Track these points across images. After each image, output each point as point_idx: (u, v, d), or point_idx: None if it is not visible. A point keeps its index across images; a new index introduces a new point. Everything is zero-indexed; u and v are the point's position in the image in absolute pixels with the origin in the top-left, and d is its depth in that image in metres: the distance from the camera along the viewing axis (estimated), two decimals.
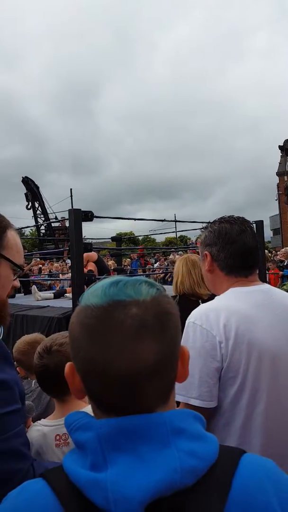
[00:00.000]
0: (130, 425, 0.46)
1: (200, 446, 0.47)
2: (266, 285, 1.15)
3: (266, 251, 8.23)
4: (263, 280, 5.52)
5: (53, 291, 5.90)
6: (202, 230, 1.25)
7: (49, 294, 5.30)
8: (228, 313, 1.00)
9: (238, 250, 1.11)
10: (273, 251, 14.67)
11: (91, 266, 4.79)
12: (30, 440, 1.08)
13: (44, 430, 1.17)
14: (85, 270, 4.70)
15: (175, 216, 33.20)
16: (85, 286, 4.02)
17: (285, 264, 8.68)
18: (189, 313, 1.09)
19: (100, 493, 0.42)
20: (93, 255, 4.88)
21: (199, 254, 1.47)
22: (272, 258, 9.53)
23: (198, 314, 1.04)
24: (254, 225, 5.50)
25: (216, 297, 1.12)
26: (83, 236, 3.61)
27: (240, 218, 1.18)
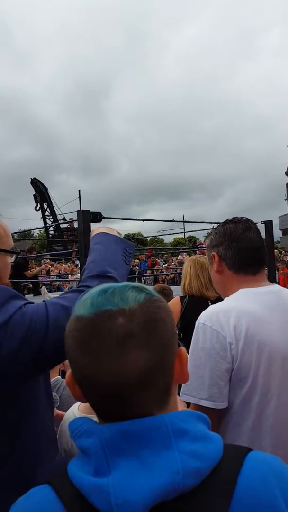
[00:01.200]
0: (132, 429, 0.46)
1: (203, 446, 0.47)
2: (276, 286, 1.15)
3: (276, 251, 8.15)
4: (273, 280, 5.47)
5: (63, 292, 5.94)
6: (206, 235, 1.27)
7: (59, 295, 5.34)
8: (239, 314, 1.00)
9: (244, 246, 1.12)
10: (283, 251, 14.53)
11: None
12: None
13: None
14: None
15: (183, 217, 33.12)
16: None
17: None
18: (198, 314, 1.09)
19: (102, 498, 0.43)
20: None
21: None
22: (281, 259, 9.45)
23: (208, 315, 1.04)
24: (263, 225, 5.46)
25: (226, 298, 1.12)
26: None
27: (243, 218, 1.19)
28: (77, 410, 1.21)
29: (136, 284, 0.53)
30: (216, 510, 0.44)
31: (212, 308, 1.07)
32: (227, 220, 1.20)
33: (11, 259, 0.95)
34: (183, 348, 0.54)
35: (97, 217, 3.69)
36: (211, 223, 6.07)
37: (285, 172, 28.58)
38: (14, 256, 0.96)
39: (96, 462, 0.45)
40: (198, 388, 0.99)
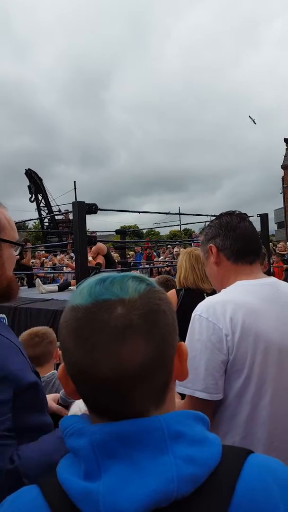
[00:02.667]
0: (125, 431, 0.44)
1: (200, 450, 0.44)
2: (273, 278, 1.16)
3: (270, 244, 8.18)
4: (268, 273, 5.48)
5: (58, 284, 5.92)
6: (201, 228, 1.30)
7: (53, 287, 5.32)
8: (235, 306, 1.00)
9: (241, 234, 1.15)
10: (277, 244, 14.59)
11: (100, 259, 4.80)
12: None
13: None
14: (94, 263, 4.71)
15: (179, 209, 33.10)
16: None
17: None
18: (194, 306, 1.09)
19: (91, 505, 0.41)
20: (104, 248, 4.89)
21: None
22: (276, 252, 9.48)
23: (205, 307, 1.03)
24: (259, 218, 5.47)
25: (222, 290, 1.11)
26: (87, 229, 3.60)
27: (237, 211, 1.23)
28: (82, 402, 1.17)
29: (136, 274, 0.50)
30: None
31: (208, 300, 1.06)
32: (221, 213, 1.23)
33: (15, 252, 0.94)
34: (183, 343, 0.51)
35: (93, 208, 3.68)
36: (206, 215, 6.08)
37: (281, 165, 28.57)
38: (19, 248, 0.95)
39: (86, 464, 0.43)
40: (193, 379, 0.98)
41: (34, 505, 0.45)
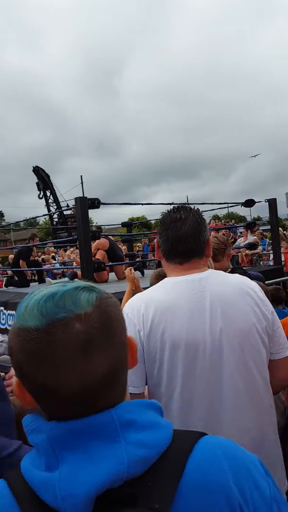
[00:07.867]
0: (79, 425, 0.46)
1: (150, 435, 0.47)
2: (204, 273, 1.13)
3: (281, 228, 7.98)
4: (279, 259, 5.35)
5: (67, 277, 5.95)
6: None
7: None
8: (147, 303, 1.07)
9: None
10: None
11: (100, 255, 4.76)
12: None
13: None
14: (93, 259, 4.70)
15: (187, 198, 32.87)
16: (94, 274, 4.01)
17: None
18: None
19: (49, 492, 0.44)
20: (104, 243, 4.84)
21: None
22: (286, 237, 9.26)
23: (128, 303, 1.12)
24: (267, 203, 5.35)
25: (150, 288, 1.18)
26: (95, 223, 3.57)
27: None
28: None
29: (84, 283, 0.51)
30: (162, 494, 0.44)
31: (134, 296, 1.16)
32: None
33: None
34: (129, 336, 0.54)
35: (95, 203, 3.65)
36: (212, 203, 5.97)
37: None
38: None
39: (46, 457, 0.46)
40: None
41: (1, 495, 0.48)
